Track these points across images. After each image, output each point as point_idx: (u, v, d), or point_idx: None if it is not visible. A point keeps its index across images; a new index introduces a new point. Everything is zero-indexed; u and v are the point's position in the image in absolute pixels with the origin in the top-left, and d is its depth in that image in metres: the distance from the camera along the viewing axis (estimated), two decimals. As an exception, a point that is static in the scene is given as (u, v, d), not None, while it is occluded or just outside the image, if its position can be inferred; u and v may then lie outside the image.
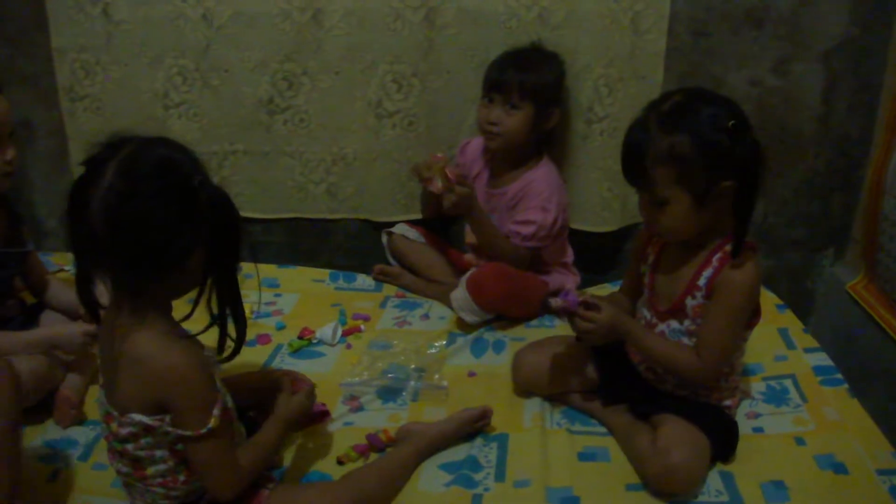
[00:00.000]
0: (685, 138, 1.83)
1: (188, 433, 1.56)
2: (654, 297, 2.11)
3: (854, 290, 2.75)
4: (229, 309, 1.64)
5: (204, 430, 1.56)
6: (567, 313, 2.01)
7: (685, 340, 2.03)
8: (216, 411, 1.58)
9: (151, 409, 1.57)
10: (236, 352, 1.69)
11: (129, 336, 1.56)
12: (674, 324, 2.04)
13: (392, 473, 1.94)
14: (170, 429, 1.57)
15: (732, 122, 1.83)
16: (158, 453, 1.63)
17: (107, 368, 1.64)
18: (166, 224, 1.50)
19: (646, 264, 2.15)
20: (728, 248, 1.93)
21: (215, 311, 1.63)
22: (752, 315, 2.01)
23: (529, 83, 2.60)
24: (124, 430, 1.60)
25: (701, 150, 1.82)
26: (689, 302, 1.99)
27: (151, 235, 1.49)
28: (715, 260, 1.95)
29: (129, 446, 1.61)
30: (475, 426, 2.11)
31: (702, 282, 1.96)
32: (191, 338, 1.61)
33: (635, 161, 1.92)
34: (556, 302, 2.00)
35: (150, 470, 1.64)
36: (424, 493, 1.92)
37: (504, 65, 2.66)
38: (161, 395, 1.56)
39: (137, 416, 1.57)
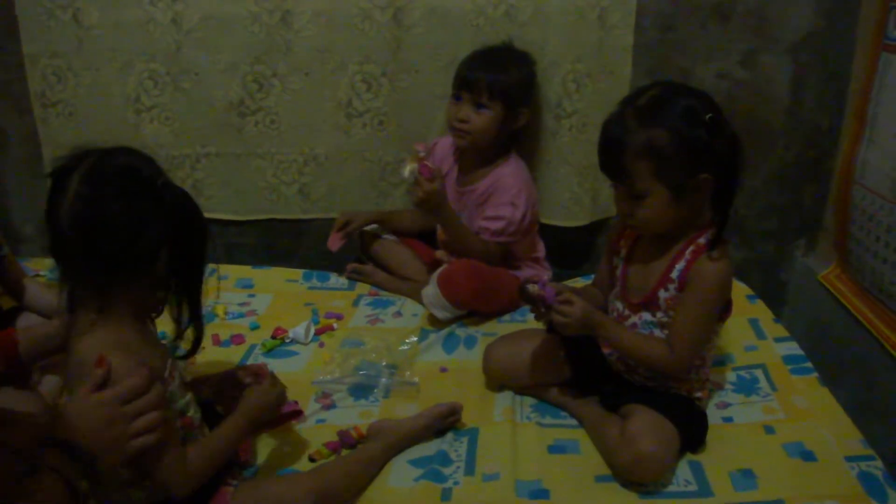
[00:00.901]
0: (663, 132, 1.84)
1: None
2: (626, 289, 2.11)
3: (826, 280, 2.76)
4: (192, 309, 1.68)
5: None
6: (542, 303, 2.01)
7: (657, 332, 2.03)
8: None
9: None
10: (195, 350, 1.75)
11: (80, 339, 1.59)
12: (646, 315, 2.05)
13: (359, 468, 1.95)
14: None
15: (710, 115, 1.84)
16: None
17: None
18: (132, 226, 1.54)
19: (618, 257, 2.16)
20: (701, 241, 1.95)
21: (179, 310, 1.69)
22: (724, 309, 2.02)
23: (499, 83, 2.61)
24: None
25: (679, 143, 1.84)
26: (662, 294, 2.00)
27: (118, 238, 1.53)
28: (688, 253, 1.96)
29: None
30: (445, 422, 2.11)
31: (675, 274, 1.97)
32: (157, 343, 1.68)
33: (614, 155, 1.92)
34: (533, 288, 2.01)
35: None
36: (394, 488, 1.92)
37: (474, 64, 2.66)
38: None
39: None
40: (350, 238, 2.92)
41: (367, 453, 2.00)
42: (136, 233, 1.54)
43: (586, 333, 2.03)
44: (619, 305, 2.13)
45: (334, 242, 2.89)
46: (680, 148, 1.84)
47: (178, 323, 1.69)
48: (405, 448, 2.05)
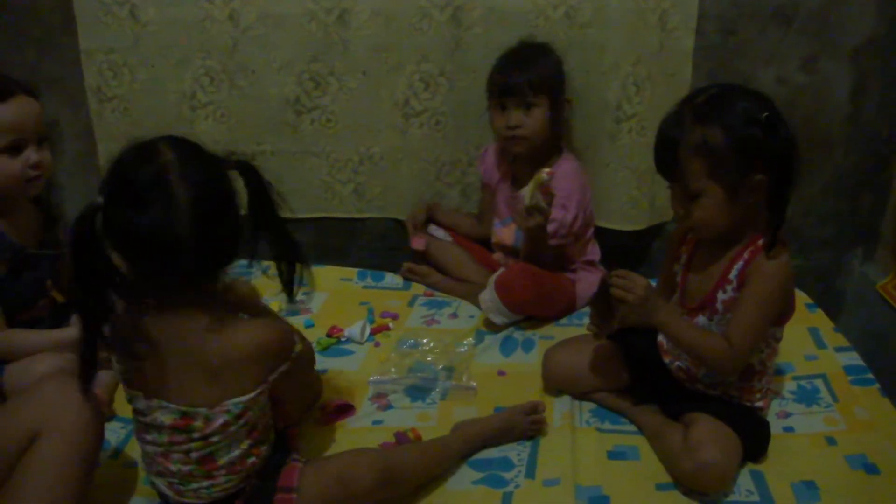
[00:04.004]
0: (718, 130, 1.82)
1: (284, 367, 1.69)
2: (684, 295, 2.10)
3: (884, 290, 2.74)
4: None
5: (294, 355, 1.71)
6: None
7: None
8: (297, 338, 1.74)
9: (258, 383, 1.65)
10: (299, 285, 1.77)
11: (232, 336, 1.62)
12: (702, 319, 2.02)
13: (433, 455, 1.96)
14: (274, 377, 1.68)
15: (766, 114, 1.81)
16: (238, 437, 1.67)
17: (182, 373, 1.62)
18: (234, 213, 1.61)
19: (679, 263, 2.14)
20: (760, 243, 1.92)
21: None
22: (785, 311, 2.00)
23: (538, 77, 2.60)
24: (218, 422, 1.63)
25: (734, 142, 1.82)
26: (720, 296, 1.97)
27: (230, 228, 1.61)
28: (746, 253, 1.94)
29: (215, 438, 1.64)
30: (527, 419, 2.09)
31: (733, 275, 1.94)
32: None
33: (668, 153, 1.90)
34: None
35: (223, 460, 1.67)
36: (452, 491, 1.92)
37: (507, 67, 2.65)
38: (274, 365, 1.67)
39: (238, 398, 1.63)
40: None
41: (444, 442, 2.02)
42: (236, 218, 1.61)
43: (645, 318, 1.99)
44: (679, 310, 2.10)
45: (419, 242, 2.94)
46: (734, 147, 1.82)
47: (287, 281, 1.73)
48: (487, 444, 2.05)
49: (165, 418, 1.63)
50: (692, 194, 1.90)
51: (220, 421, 1.62)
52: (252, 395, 1.63)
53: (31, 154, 2.15)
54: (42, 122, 2.19)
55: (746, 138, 1.81)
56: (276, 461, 1.78)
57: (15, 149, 2.13)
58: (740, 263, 1.94)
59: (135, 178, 1.52)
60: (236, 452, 1.67)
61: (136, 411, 1.70)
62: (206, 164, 1.59)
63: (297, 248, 1.72)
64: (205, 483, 1.68)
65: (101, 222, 1.51)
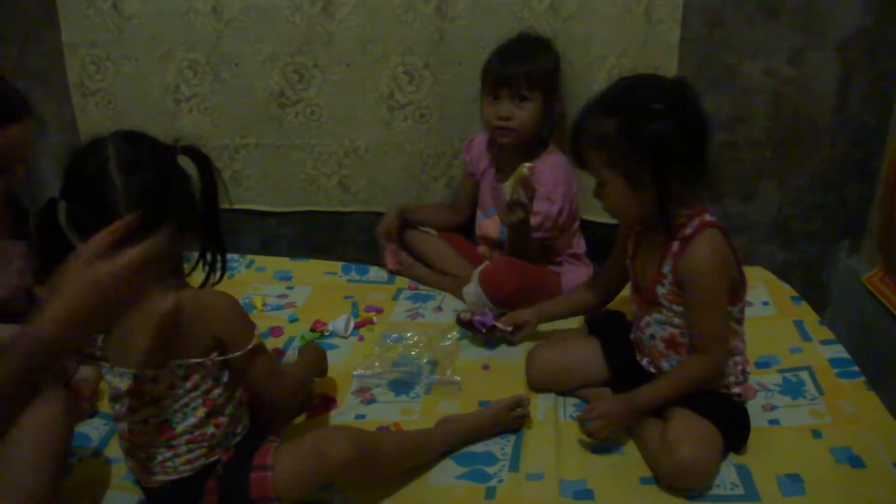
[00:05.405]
0: (613, 121, 1.85)
1: (238, 354, 1.71)
2: (637, 287, 2.12)
3: (870, 283, 2.73)
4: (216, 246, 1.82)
5: (251, 346, 1.71)
6: (481, 328, 2.24)
7: (668, 328, 2.02)
8: (256, 332, 1.74)
9: (203, 350, 1.69)
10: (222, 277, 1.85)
11: (184, 295, 1.68)
12: (656, 315, 2.03)
13: (413, 443, 1.97)
14: (219, 359, 1.71)
15: (658, 106, 1.82)
16: (192, 404, 1.70)
17: (129, 334, 1.67)
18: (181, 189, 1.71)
19: (628, 256, 2.15)
20: (688, 231, 1.91)
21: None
22: (735, 288, 1.98)
23: (535, 72, 2.59)
24: (163, 384, 1.67)
25: (626, 133, 1.84)
26: (660, 290, 1.98)
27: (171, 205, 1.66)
28: (675, 245, 1.93)
29: (166, 401, 1.68)
30: (510, 415, 2.08)
31: (666, 269, 1.95)
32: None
33: (573, 143, 1.96)
34: (464, 316, 2.31)
35: (180, 427, 1.70)
36: (434, 486, 1.91)
37: (505, 58, 2.63)
38: (221, 332, 1.69)
39: (183, 361, 1.67)
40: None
41: (426, 434, 2.02)
42: (185, 193, 1.71)
43: (637, 415, 2.01)
44: (635, 305, 2.13)
45: (393, 262, 2.93)
46: (625, 138, 1.84)
47: (206, 261, 1.81)
48: (469, 442, 2.04)
49: (123, 384, 1.70)
50: (599, 182, 1.95)
51: (166, 383, 1.67)
52: (193, 360, 1.67)
53: (18, 170, 2.16)
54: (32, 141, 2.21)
55: (636, 130, 1.84)
56: (253, 444, 1.79)
57: (5, 167, 2.13)
58: (670, 258, 1.94)
59: (81, 173, 1.63)
60: (192, 420, 1.70)
61: (109, 388, 1.75)
62: (146, 150, 1.68)
63: (222, 245, 1.81)
64: (168, 454, 1.71)
65: (64, 214, 1.62)
